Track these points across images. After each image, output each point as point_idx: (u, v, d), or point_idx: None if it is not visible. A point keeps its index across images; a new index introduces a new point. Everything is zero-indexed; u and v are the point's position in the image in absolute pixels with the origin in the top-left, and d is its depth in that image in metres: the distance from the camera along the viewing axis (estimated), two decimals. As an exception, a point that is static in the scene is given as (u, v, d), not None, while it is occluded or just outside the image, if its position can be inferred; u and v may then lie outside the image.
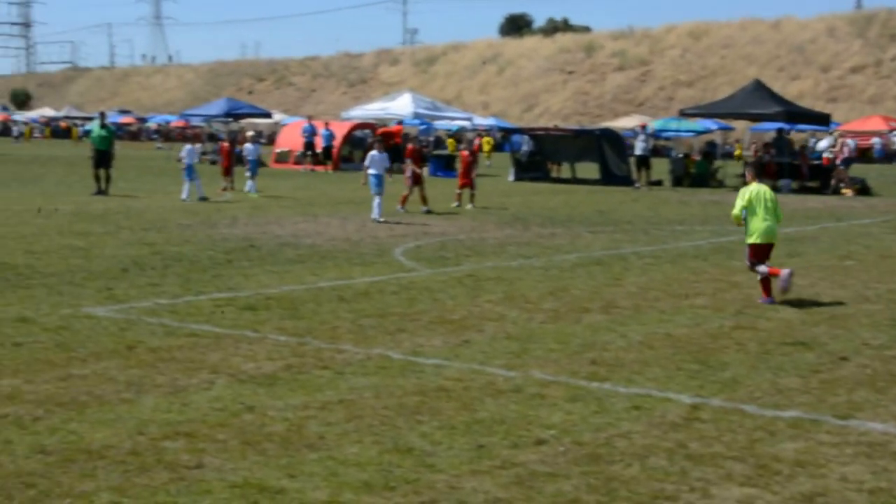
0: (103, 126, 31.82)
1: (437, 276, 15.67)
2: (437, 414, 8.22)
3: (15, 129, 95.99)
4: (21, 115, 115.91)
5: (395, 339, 11.08)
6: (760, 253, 13.94)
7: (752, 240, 13.94)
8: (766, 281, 13.82)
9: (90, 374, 9.25)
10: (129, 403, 8.33)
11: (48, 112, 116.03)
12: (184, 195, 29.20)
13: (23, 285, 13.93)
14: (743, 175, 42.20)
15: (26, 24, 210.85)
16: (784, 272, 13.56)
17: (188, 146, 30.73)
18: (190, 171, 29.53)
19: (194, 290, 13.85)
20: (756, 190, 14.05)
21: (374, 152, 24.58)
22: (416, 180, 26.75)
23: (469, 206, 27.90)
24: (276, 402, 8.46)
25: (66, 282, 14.30)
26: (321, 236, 20.62)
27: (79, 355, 9.96)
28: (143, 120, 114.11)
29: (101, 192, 30.38)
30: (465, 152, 29.49)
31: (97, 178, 30.75)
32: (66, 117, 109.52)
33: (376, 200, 23.93)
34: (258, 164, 33.09)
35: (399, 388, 9.00)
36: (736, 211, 14.10)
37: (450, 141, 61.77)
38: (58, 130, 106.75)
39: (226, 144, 34.33)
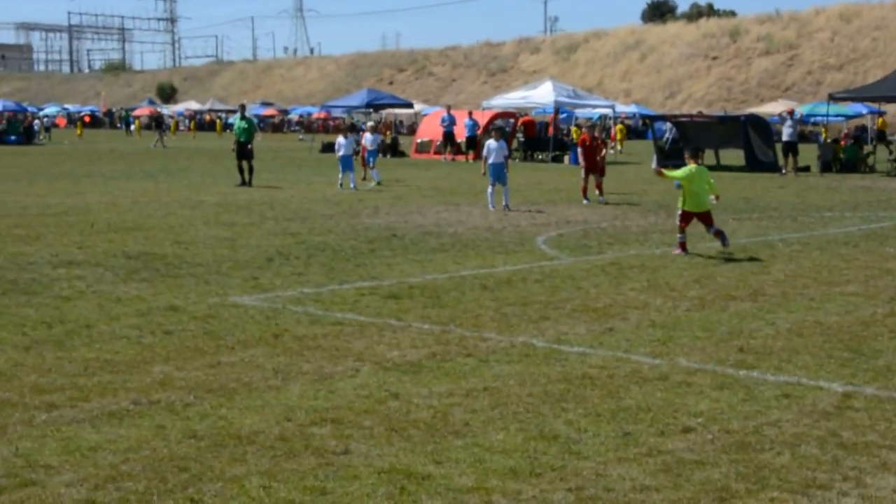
0: (243, 118, 32.40)
1: (579, 264, 15.58)
2: (582, 401, 8.16)
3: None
4: (167, 109, 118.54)
5: (538, 326, 11.04)
6: (689, 219, 16.57)
7: (685, 207, 16.56)
8: (682, 245, 16.64)
9: (238, 361, 9.41)
10: (277, 390, 8.45)
11: (193, 105, 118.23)
12: (351, 184, 30.13)
13: (172, 275, 14.25)
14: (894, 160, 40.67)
15: (172, 20, 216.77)
16: (676, 251, 16.55)
17: (341, 138, 31.24)
18: (346, 161, 30.38)
19: (338, 279, 14.00)
20: (697, 170, 16.58)
21: (490, 141, 24.56)
22: (591, 169, 26.32)
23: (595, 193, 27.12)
24: (420, 389, 8.50)
25: (213, 271, 14.60)
26: (463, 225, 20.67)
27: (227, 343, 10.14)
28: (285, 112, 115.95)
29: (244, 183, 30.94)
30: (600, 141, 29.14)
31: (241, 170, 31.33)
32: (211, 110, 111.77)
33: (489, 189, 24.12)
34: (377, 153, 33.56)
35: (543, 375, 8.96)
36: (671, 175, 16.93)
37: (573, 129, 60.70)
38: (202, 123, 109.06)
39: (366, 135, 34.74)
